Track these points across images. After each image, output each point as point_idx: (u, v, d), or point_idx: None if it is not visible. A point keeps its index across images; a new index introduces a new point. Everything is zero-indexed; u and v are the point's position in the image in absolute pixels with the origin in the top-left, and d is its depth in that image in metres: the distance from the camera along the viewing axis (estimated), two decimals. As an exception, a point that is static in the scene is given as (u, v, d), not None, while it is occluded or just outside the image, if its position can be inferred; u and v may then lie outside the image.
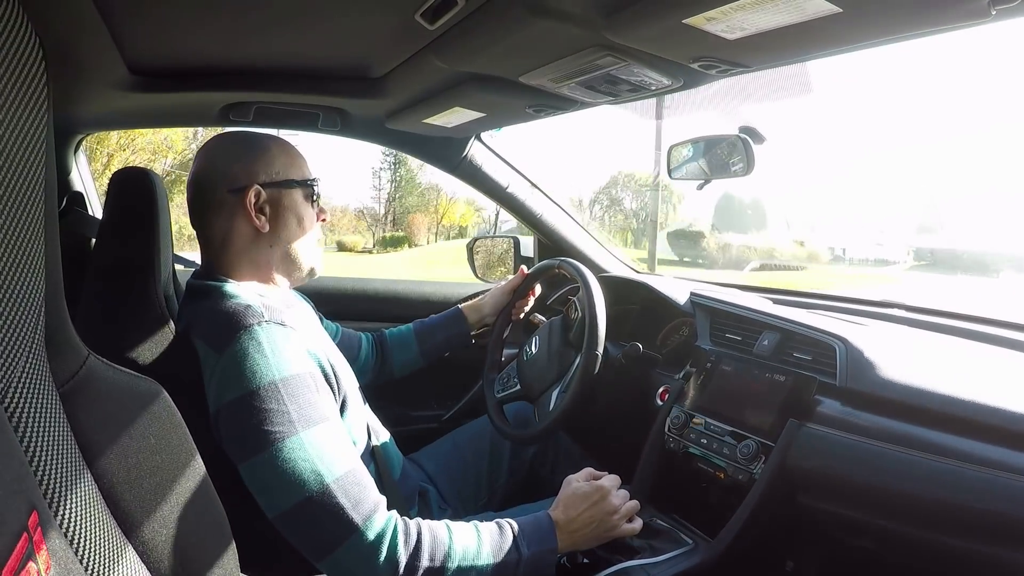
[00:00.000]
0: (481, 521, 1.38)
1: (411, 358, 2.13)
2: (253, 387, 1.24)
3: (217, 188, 1.44)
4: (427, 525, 1.30)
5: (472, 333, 2.20)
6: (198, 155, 1.49)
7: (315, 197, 1.55)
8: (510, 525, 1.38)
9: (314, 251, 1.58)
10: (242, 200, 1.43)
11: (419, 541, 1.26)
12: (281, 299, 1.50)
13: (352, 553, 1.22)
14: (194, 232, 1.49)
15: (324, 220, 1.60)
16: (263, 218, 1.45)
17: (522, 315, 2.22)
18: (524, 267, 2.22)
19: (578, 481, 1.51)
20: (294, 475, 1.21)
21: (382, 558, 1.22)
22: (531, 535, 1.37)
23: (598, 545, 1.45)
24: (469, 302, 2.20)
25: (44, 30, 0.69)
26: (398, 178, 53.97)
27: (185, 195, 1.49)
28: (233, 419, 1.24)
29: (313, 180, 1.54)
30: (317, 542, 1.23)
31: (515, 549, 1.33)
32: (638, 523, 1.49)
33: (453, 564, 1.27)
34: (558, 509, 1.45)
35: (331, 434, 1.29)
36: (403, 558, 1.23)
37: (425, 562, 1.24)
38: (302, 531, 1.23)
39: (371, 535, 1.22)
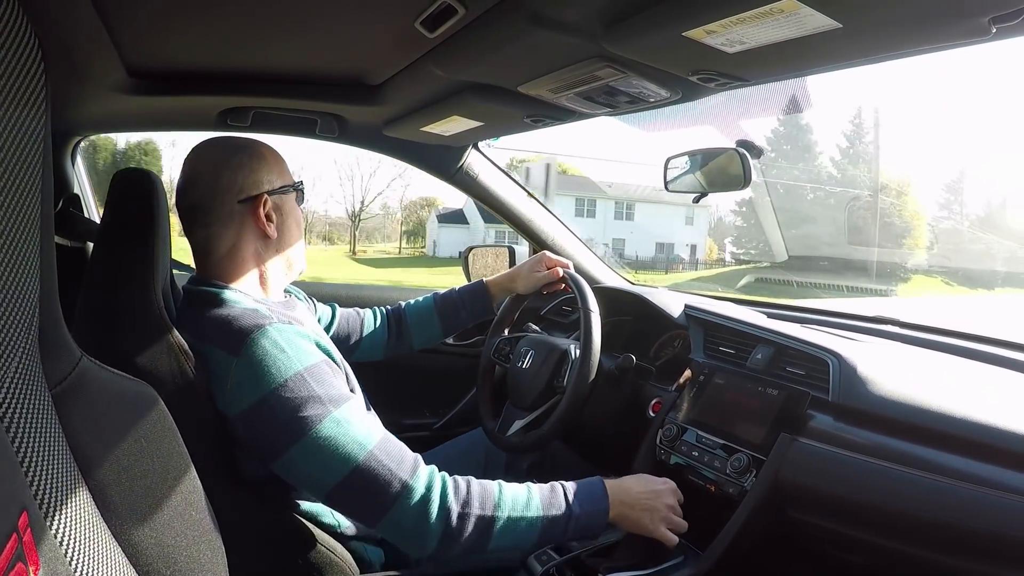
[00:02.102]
0: None
1: (434, 334, 2.12)
2: (281, 381, 1.26)
3: (226, 199, 1.44)
4: (475, 480, 1.33)
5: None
6: (191, 162, 1.48)
7: (302, 198, 1.59)
8: (562, 485, 1.40)
9: (303, 251, 1.62)
10: (254, 210, 1.45)
11: (469, 491, 1.30)
12: (280, 302, 1.54)
13: (406, 507, 1.26)
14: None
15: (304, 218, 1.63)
16: (272, 226, 1.48)
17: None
18: (565, 272, 2.08)
19: (653, 476, 1.53)
20: (339, 450, 1.25)
21: (435, 508, 1.26)
22: (583, 496, 1.40)
23: (639, 533, 1.45)
24: (497, 279, 2.14)
25: (43, 32, 0.69)
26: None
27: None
28: (265, 416, 1.26)
29: (300, 183, 1.57)
30: (372, 506, 1.27)
31: (566, 505, 1.36)
32: (675, 538, 1.47)
33: (503, 513, 1.30)
34: (615, 482, 1.46)
35: (359, 408, 1.33)
36: (454, 506, 1.27)
37: (476, 510, 1.28)
38: (355, 500, 1.28)
39: (421, 488, 1.27)
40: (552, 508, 1.34)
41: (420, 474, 1.28)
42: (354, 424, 1.28)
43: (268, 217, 1.47)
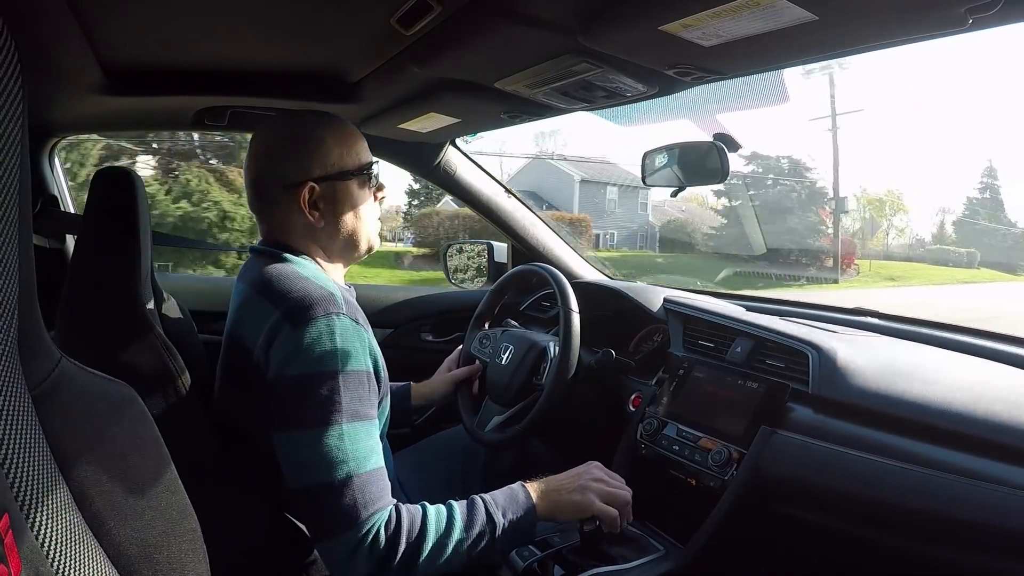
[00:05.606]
0: None
1: None
2: (316, 371, 1.26)
3: (272, 183, 1.44)
4: (406, 508, 1.31)
5: (415, 419, 2.16)
6: (255, 139, 1.48)
7: (372, 181, 1.54)
8: (482, 499, 1.38)
9: (371, 229, 1.56)
10: (296, 197, 1.43)
11: (399, 523, 1.28)
12: (343, 287, 1.51)
13: (348, 543, 1.24)
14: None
15: (383, 197, 1.59)
16: (317, 214, 1.45)
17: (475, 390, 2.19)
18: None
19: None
20: (327, 459, 1.24)
21: (367, 548, 1.24)
22: (504, 503, 1.38)
23: (579, 517, 1.43)
24: (421, 384, 2.11)
25: (19, 33, 0.69)
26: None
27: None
28: (288, 392, 1.27)
29: (369, 165, 1.52)
30: (320, 524, 1.27)
31: (487, 519, 1.34)
32: (614, 512, 1.42)
33: (428, 544, 1.28)
34: (536, 481, 1.45)
35: (369, 432, 1.32)
36: (383, 544, 1.25)
37: (403, 543, 1.26)
38: (311, 510, 1.28)
39: (364, 529, 1.25)
40: (474, 527, 1.33)
41: (377, 517, 1.26)
42: (355, 444, 1.27)
43: (315, 205, 1.44)
